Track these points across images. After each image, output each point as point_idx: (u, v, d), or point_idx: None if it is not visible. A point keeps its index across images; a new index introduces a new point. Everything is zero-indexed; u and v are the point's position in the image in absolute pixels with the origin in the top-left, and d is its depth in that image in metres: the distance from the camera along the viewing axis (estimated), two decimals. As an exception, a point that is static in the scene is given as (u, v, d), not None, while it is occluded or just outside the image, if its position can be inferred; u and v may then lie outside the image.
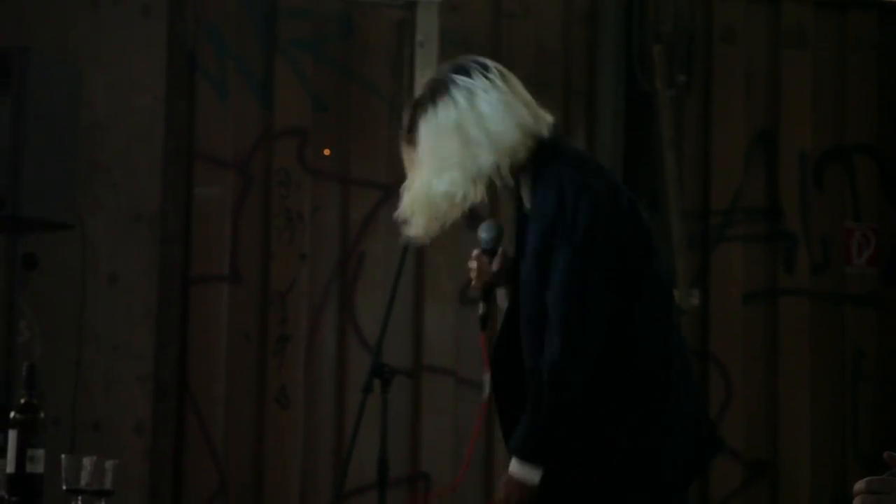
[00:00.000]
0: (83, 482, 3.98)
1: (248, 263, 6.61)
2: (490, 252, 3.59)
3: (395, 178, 6.94)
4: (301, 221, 6.65)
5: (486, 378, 3.62)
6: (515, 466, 3.39)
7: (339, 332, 6.65)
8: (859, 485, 2.60)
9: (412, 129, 3.52)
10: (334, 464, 6.55)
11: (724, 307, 7.06)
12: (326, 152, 6.75)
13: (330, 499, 6.54)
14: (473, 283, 3.63)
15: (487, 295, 3.62)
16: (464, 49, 6.86)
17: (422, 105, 3.51)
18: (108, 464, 4.01)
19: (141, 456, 6.25)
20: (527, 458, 3.37)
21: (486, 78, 3.51)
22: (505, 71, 3.55)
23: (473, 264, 3.62)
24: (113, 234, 6.31)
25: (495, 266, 3.59)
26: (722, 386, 7.00)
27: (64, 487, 3.99)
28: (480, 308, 3.62)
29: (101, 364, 6.25)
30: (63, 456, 4.02)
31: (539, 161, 3.47)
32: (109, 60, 6.35)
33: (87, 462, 3.98)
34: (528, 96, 3.56)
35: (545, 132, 3.50)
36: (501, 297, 3.64)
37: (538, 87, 6.95)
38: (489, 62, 3.53)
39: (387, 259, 6.54)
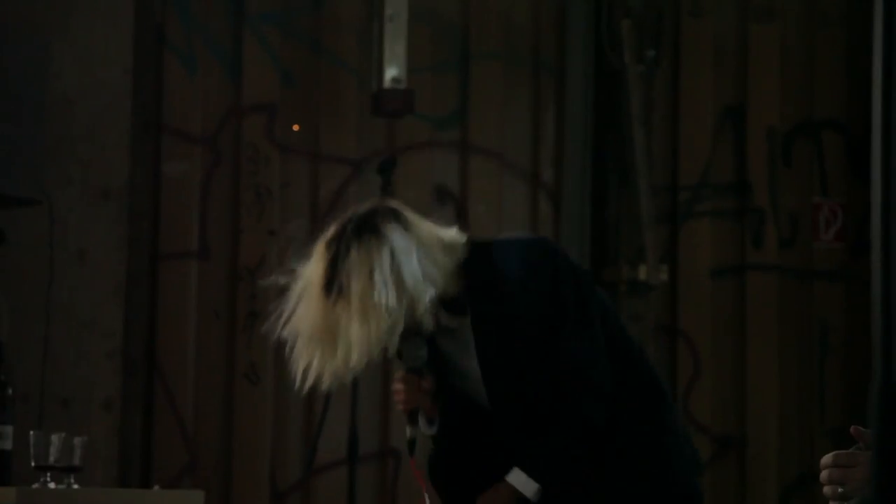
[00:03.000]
0: (52, 458, 3.97)
1: (217, 239, 6.59)
2: (417, 371, 3.42)
3: (364, 154, 6.95)
4: (270, 197, 6.63)
5: (427, 499, 3.50)
6: (516, 476, 3.34)
7: (309, 308, 6.63)
8: (826, 459, 2.61)
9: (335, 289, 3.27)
10: (304, 440, 6.55)
11: (692, 283, 7.07)
12: (295, 127, 6.72)
13: (300, 475, 6.54)
14: (403, 406, 3.44)
15: (415, 417, 3.46)
16: (433, 24, 6.85)
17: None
18: (77, 440, 4.00)
19: (110, 432, 6.23)
20: (536, 475, 3.31)
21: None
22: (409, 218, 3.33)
23: (399, 386, 3.43)
24: (81, 209, 6.28)
25: (427, 385, 3.42)
26: (690, 362, 7.02)
27: (32, 464, 3.98)
28: (409, 432, 3.45)
29: (70, 340, 6.22)
30: (31, 432, 4.01)
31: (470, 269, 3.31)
32: (76, 33, 6.30)
33: (56, 438, 3.98)
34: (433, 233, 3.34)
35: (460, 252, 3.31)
36: (422, 420, 3.45)
37: (507, 62, 7.02)
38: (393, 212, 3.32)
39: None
